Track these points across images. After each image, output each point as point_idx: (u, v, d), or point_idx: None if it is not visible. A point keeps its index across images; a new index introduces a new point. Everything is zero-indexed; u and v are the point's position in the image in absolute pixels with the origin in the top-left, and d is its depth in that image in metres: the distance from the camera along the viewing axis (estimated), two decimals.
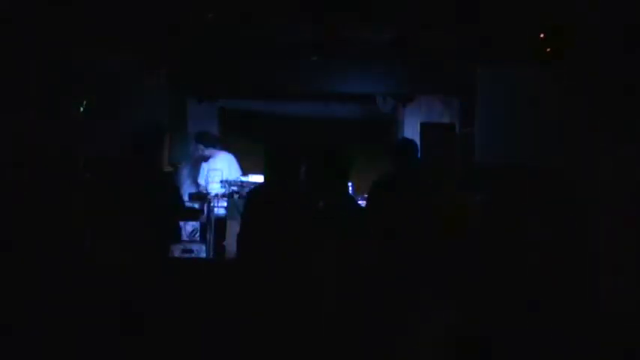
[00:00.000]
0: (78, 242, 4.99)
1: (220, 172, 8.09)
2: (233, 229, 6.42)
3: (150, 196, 4.88)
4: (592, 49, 6.05)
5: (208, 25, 6.15)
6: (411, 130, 8.41)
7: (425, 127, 8.01)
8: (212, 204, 7.26)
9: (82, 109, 5.71)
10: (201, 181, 8.29)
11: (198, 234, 7.32)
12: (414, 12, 6.06)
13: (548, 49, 6.40)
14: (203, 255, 6.95)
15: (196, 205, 7.38)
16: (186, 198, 8.02)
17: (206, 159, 8.19)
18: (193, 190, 8.32)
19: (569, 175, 6.26)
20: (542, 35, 6.29)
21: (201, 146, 8.20)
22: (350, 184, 7.35)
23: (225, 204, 7.25)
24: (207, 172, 8.16)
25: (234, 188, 7.22)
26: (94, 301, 4.59)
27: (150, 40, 6.10)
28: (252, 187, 6.49)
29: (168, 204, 5.04)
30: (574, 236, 5.67)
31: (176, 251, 7.10)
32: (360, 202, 7.25)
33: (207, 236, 7.07)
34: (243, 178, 7.68)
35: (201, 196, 7.76)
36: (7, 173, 4.99)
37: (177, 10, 5.92)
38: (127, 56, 5.98)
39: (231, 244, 6.59)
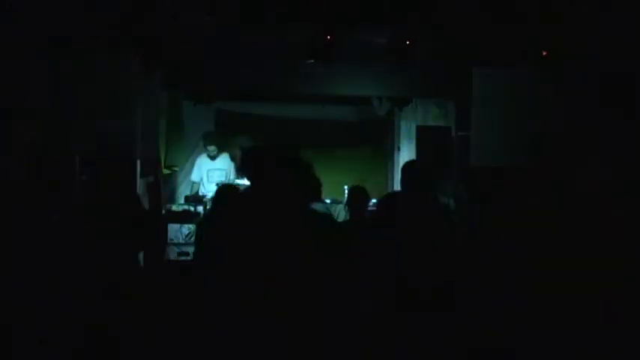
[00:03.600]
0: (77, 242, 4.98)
1: (224, 172, 8.14)
2: None
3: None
4: (587, 52, 6.09)
5: (205, 27, 6.15)
6: (407, 133, 8.44)
7: (421, 130, 8.02)
8: (208, 206, 7.24)
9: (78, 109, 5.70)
10: (196, 178, 8.28)
11: (194, 237, 7.31)
12: (411, 15, 6.07)
13: (545, 53, 6.44)
14: None
15: (192, 208, 7.38)
16: (182, 201, 8.05)
17: (213, 158, 8.17)
18: (189, 192, 8.32)
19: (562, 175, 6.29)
20: (539, 39, 6.33)
21: (212, 147, 8.19)
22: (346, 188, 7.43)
23: None
24: (207, 171, 8.18)
25: None
26: (93, 302, 4.57)
27: (147, 43, 6.10)
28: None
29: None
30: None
31: (172, 254, 7.11)
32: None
33: None
34: (239, 181, 7.69)
35: (198, 199, 7.77)
36: (7, 173, 4.99)
37: (175, 13, 5.92)
38: (125, 58, 5.97)
39: None
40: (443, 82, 7.43)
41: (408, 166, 4.90)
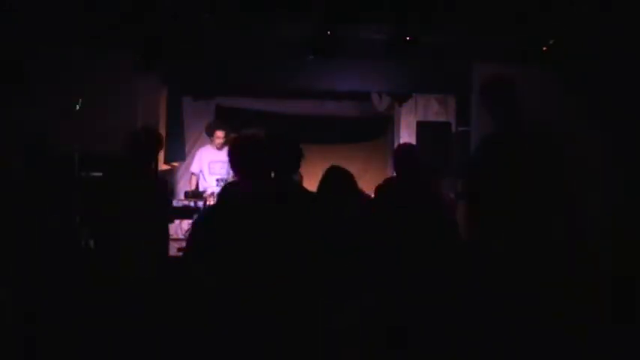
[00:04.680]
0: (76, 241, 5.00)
1: (226, 164, 8.04)
2: None
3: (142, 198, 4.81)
4: (589, 49, 6.09)
5: (205, 27, 6.14)
6: (407, 129, 8.44)
7: (421, 126, 8.02)
8: (208, 202, 7.22)
9: (77, 107, 5.70)
10: (195, 169, 8.23)
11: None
12: (412, 11, 6.06)
13: (545, 48, 6.44)
14: None
15: (192, 204, 7.37)
16: (181, 196, 8.03)
17: (220, 147, 8.10)
18: (188, 187, 8.29)
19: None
20: (539, 35, 6.32)
21: (221, 132, 8.06)
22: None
23: None
24: (209, 163, 8.12)
25: None
26: (92, 300, 4.59)
27: (147, 42, 6.10)
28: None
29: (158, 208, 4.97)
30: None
31: (172, 250, 7.12)
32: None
33: None
34: None
35: (197, 195, 7.75)
36: (7, 173, 5.00)
37: (175, 12, 5.91)
38: (125, 58, 5.97)
39: None
40: (443, 78, 7.42)
41: (405, 151, 4.95)
